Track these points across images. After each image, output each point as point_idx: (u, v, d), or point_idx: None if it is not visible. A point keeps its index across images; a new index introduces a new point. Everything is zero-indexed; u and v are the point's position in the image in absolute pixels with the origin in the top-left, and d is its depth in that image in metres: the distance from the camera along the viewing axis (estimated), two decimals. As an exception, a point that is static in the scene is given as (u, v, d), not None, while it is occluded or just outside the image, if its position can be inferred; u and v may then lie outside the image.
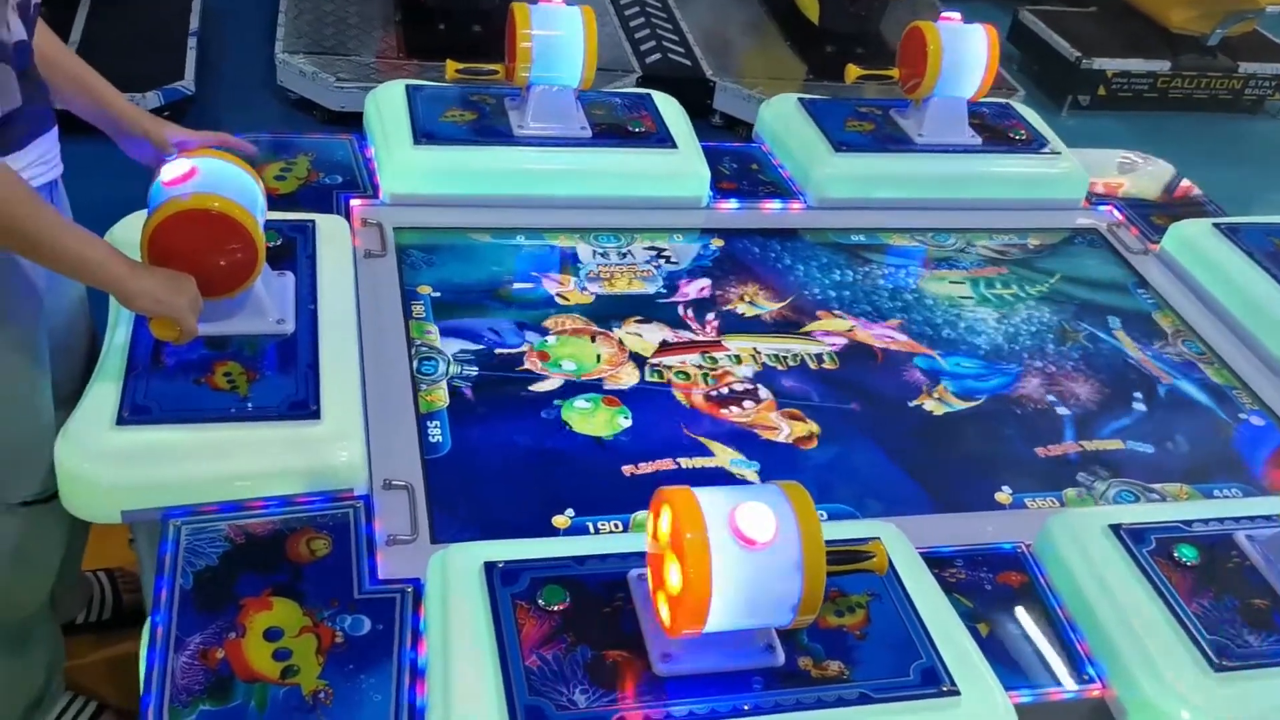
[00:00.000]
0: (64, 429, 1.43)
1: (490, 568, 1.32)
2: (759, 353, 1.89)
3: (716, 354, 1.88)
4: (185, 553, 1.37)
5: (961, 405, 1.86)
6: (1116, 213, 2.44)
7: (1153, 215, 2.43)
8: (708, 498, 1.18)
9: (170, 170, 1.52)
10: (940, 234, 2.29)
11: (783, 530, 1.16)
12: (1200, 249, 2.22)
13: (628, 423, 1.71)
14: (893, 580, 1.37)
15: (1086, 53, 4.60)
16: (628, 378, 1.79)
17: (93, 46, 3.67)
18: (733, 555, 1.14)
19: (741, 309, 1.99)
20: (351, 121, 3.63)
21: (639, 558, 1.33)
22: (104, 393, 1.48)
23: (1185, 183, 2.58)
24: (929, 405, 1.84)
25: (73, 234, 1.40)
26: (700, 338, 1.91)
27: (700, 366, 1.84)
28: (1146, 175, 2.60)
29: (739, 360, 1.87)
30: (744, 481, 1.63)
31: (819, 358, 1.91)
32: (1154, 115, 4.68)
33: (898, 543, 1.43)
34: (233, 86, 3.97)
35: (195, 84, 3.68)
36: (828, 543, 1.18)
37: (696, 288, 2.02)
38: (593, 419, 1.70)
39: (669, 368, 1.83)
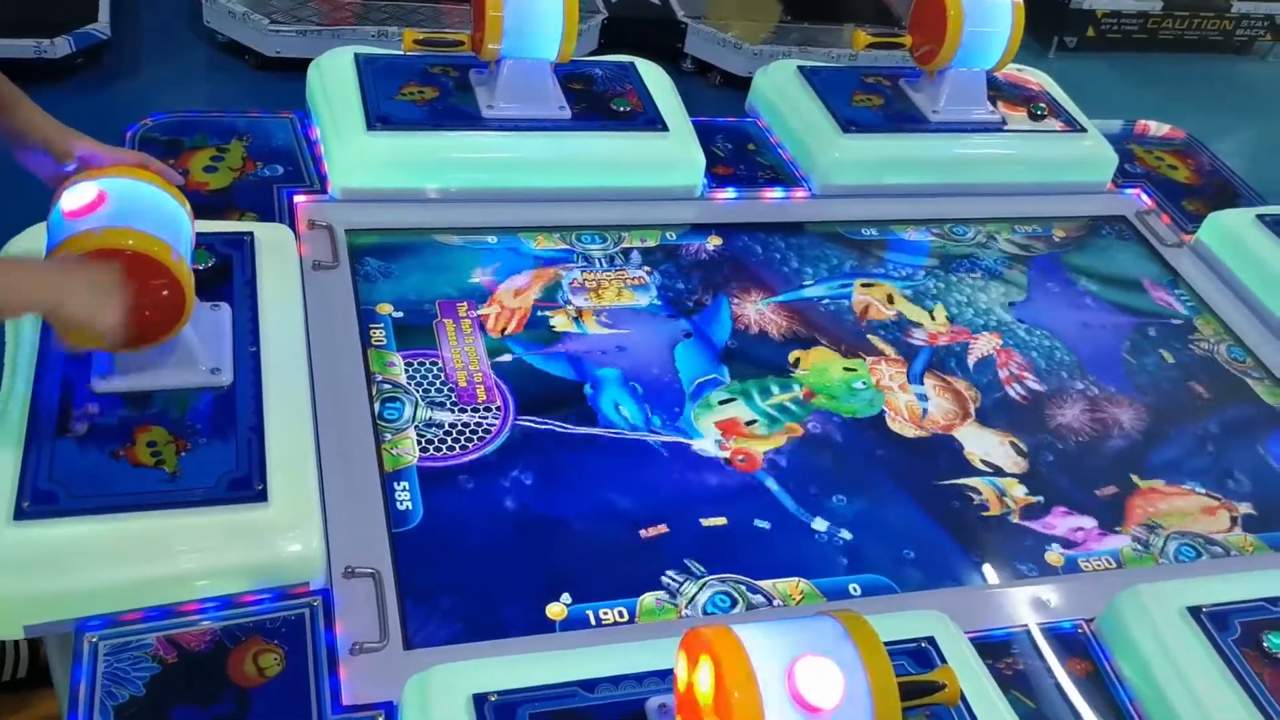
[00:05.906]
0: (-52, 527, 1.17)
1: (481, 702, 1.09)
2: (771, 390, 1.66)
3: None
4: (104, 680, 1.13)
5: (997, 440, 1.65)
6: (1145, 197, 2.22)
7: (1184, 199, 2.21)
8: (756, 643, 0.96)
9: (73, 197, 1.24)
10: (958, 226, 2.05)
11: (851, 689, 0.94)
12: (1243, 243, 2.01)
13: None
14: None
15: (1076, -9, 4.35)
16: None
17: (-10, -16, 3.26)
18: (793, 725, 0.92)
19: (752, 334, 1.75)
20: (288, 69, 3.29)
21: (656, 678, 1.12)
22: (-2, 473, 1.21)
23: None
24: (960, 441, 1.63)
25: None
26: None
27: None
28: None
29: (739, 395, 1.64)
30: (763, 534, 1.42)
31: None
32: (1142, 57, 4.45)
33: (953, 642, 1.23)
34: (153, 29, 3.59)
35: (111, 27, 3.30)
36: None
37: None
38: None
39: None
